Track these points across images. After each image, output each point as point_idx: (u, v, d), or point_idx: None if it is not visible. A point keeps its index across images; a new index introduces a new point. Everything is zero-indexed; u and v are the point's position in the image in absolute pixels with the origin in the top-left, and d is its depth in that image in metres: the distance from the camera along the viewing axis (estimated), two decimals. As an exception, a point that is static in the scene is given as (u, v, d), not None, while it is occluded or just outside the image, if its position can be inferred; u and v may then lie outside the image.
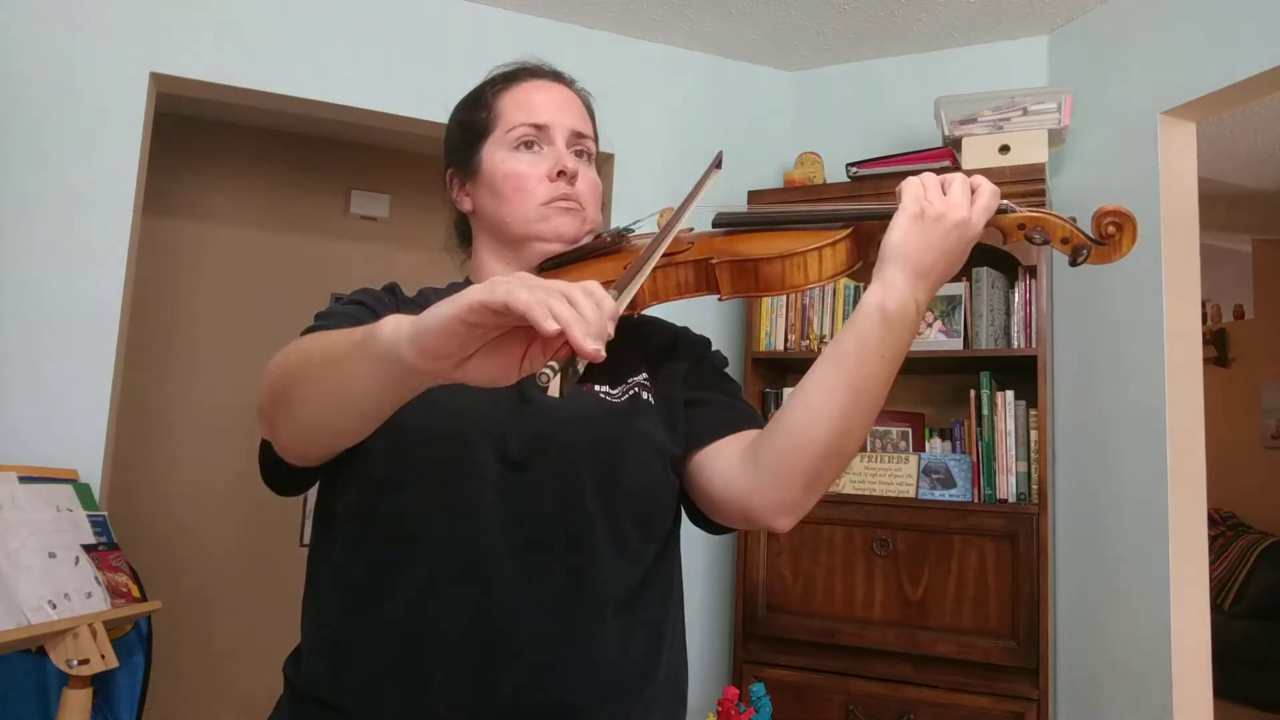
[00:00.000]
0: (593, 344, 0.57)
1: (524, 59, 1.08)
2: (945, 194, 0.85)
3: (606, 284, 0.63)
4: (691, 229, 0.97)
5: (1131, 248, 0.87)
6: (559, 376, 0.56)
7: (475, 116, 1.04)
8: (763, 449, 0.91)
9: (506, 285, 0.59)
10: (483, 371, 0.64)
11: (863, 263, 0.93)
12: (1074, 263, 0.87)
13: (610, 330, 0.59)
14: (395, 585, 0.88)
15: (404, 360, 0.64)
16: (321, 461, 0.86)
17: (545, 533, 0.89)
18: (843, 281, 2.62)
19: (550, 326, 0.57)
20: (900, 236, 0.85)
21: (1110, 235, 0.86)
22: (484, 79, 1.07)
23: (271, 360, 0.81)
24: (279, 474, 0.89)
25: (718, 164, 0.95)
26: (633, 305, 0.91)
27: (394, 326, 0.66)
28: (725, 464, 0.94)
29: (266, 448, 0.87)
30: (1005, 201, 0.88)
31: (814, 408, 0.86)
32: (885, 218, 0.87)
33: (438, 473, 0.88)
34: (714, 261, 0.89)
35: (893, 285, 0.84)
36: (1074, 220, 0.88)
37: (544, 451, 0.90)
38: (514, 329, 0.61)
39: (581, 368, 0.58)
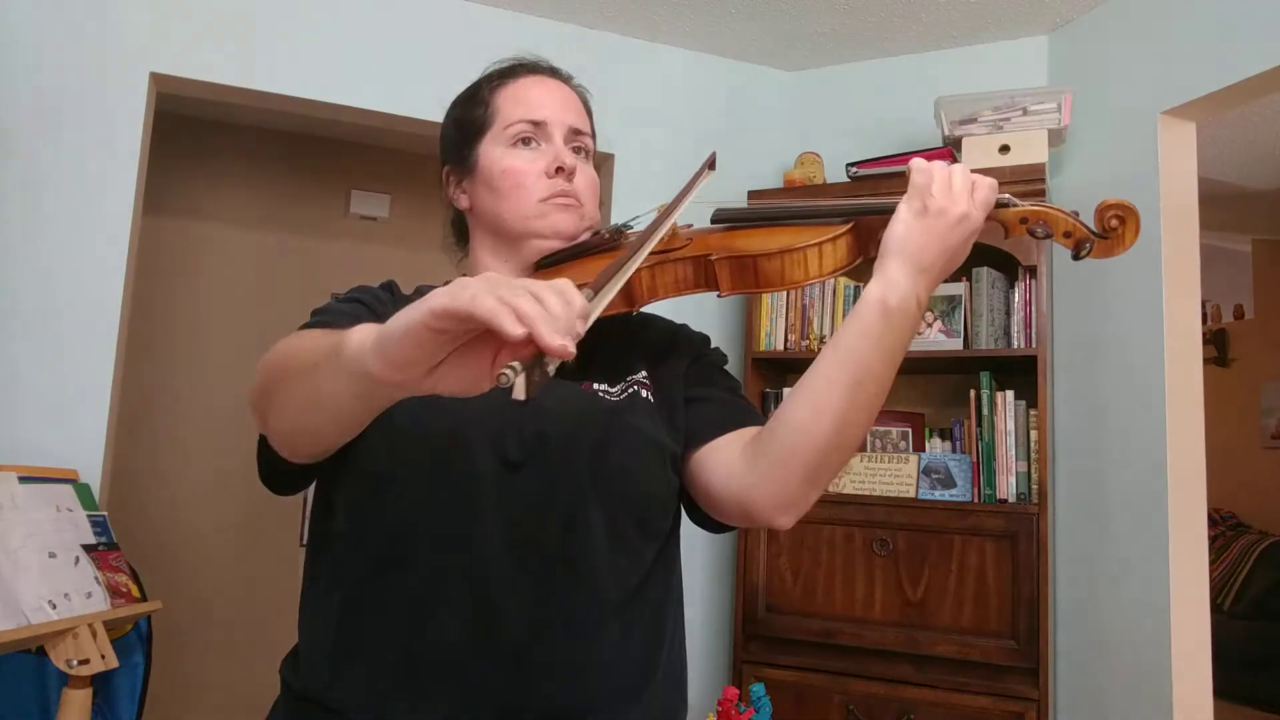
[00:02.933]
0: (559, 339, 0.54)
1: (521, 55, 1.07)
2: (949, 188, 0.85)
3: (581, 285, 0.62)
4: (690, 225, 0.96)
5: (1134, 241, 0.86)
6: (522, 376, 0.54)
7: (472, 113, 1.03)
8: (763, 445, 0.90)
9: (472, 290, 0.56)
10: (453, 380, 0.61)
11: (863, 258, 0.92)
12: (1076, 256, 0.87)
13: (580, 329, 0.57)
14: (392, 586, 0.87)
15: (370, 373, 0.62)
16: (313, 459, 0.85)
17: (543, 532, 0.88)
18: (842, 281, 2.61)
19: (516, 331, 0.54)
20: (902, 231, 0.84)
21: (1113, 229, 0.86)
22: (480, 75, 1.06)
23: (264, 355, 0.81)
24: (276, 471, 0.89)
25: (710, 165, 0.94)
26: (631, 302, 0.90)
27: (360, 337, 0.64)
28: (725, 461, 0.94)
29: (264, 444, 0.86)
30: (1007, 196, 0.88)
31: (815, 403, 0.86)
32: (886, 213, 0.86)
33: (435, 472, 0.88)
34: (713, 258, 0.88)
35: (894, 280, 0.84)
36: (1076, 214, 0.87)
37: (542, 450, 0.90)
38: (484, 333, 0.58)
39: (552, 368, 0.56)
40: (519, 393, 0.54)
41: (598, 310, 0.63)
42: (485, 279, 0.58)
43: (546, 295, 0.56)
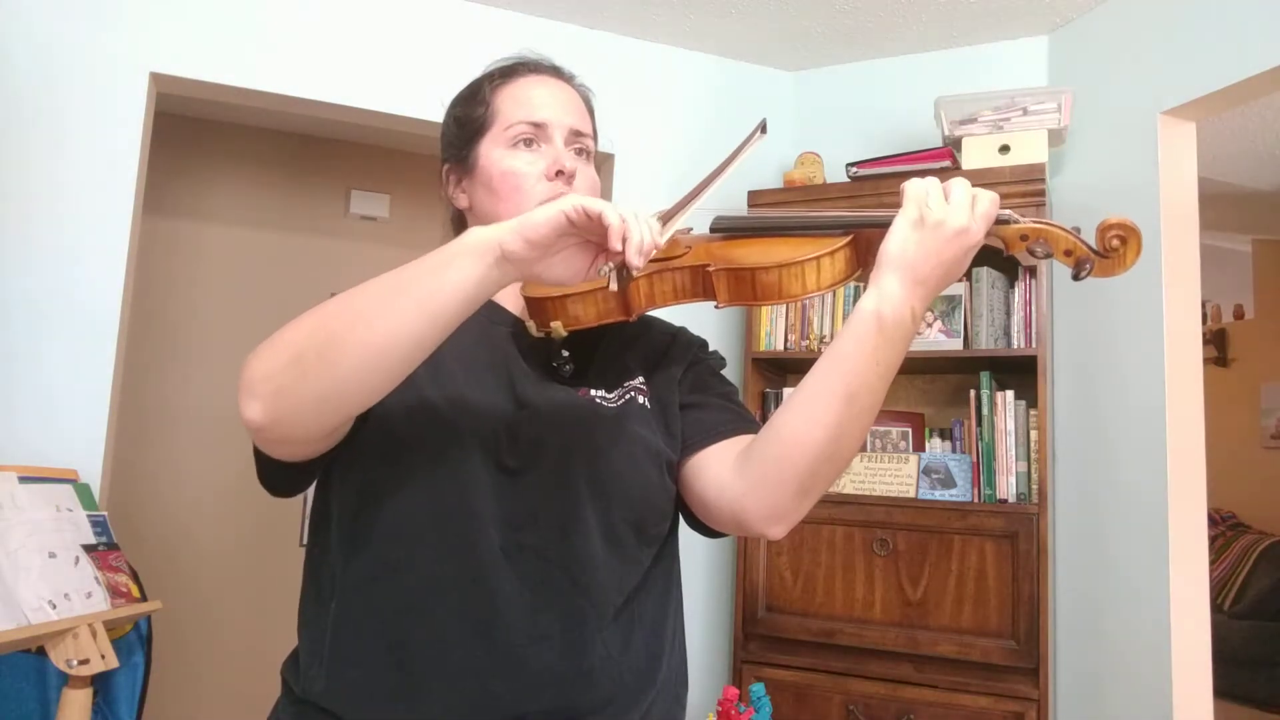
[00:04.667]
0: (638, 259, 0.73)
1: (522, 54, 1.06)
2: (947, 201, 0.83)
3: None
4: (690, 229, 0.96)
5: (1136, 261, 0.84)
6: (614, 274, 0.77)
7: (472, 112, 1.01)
8: (756, 455, 0.90)
9: (604, 203, 0.74)
10: (559, 269, 0.77)
11: (862, 270, 0.92)
12: (1077, 276, 0.85)
13: (652, 251, 0.75)
14: (391, 590, 0.87)
15: (506, 250, 0.75)
16: (323, 440, 0.84)
17: (541, 538, 0.88)
18: (844, 285, 2.61)
19: (617, 245, 0.73)
20: (899, 243, 0.83)
21: (1114, 249, 0.84)
22: (481, 73, 1.05)
23: (272, 336, 0.78)
24: (275, 472, 0.88)
25: (763, 129, 0.93)
26: (628, 310, 0.90)
27: (485, 229, 0.77)
28: (719, 469, 0.94)
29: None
30: (1008, 212, 0.86)
31: (808, 414, 0.85)
32: (886, 225, 0.85)
33: (433, 477, 0.88)
34: (711, 269, 0.88)
35: (889, 292, 0.82)
36: (1078, 231, 0.85)
37: (539, 456, 0.90)
38: (587, 243, 0.77)
39: (627, 272, 0.75)
40: (613, 286, 0.77)
41: (662, 243, 0.79)
42: (601, 200, 0.75)
43: (644, 222, 0.75)
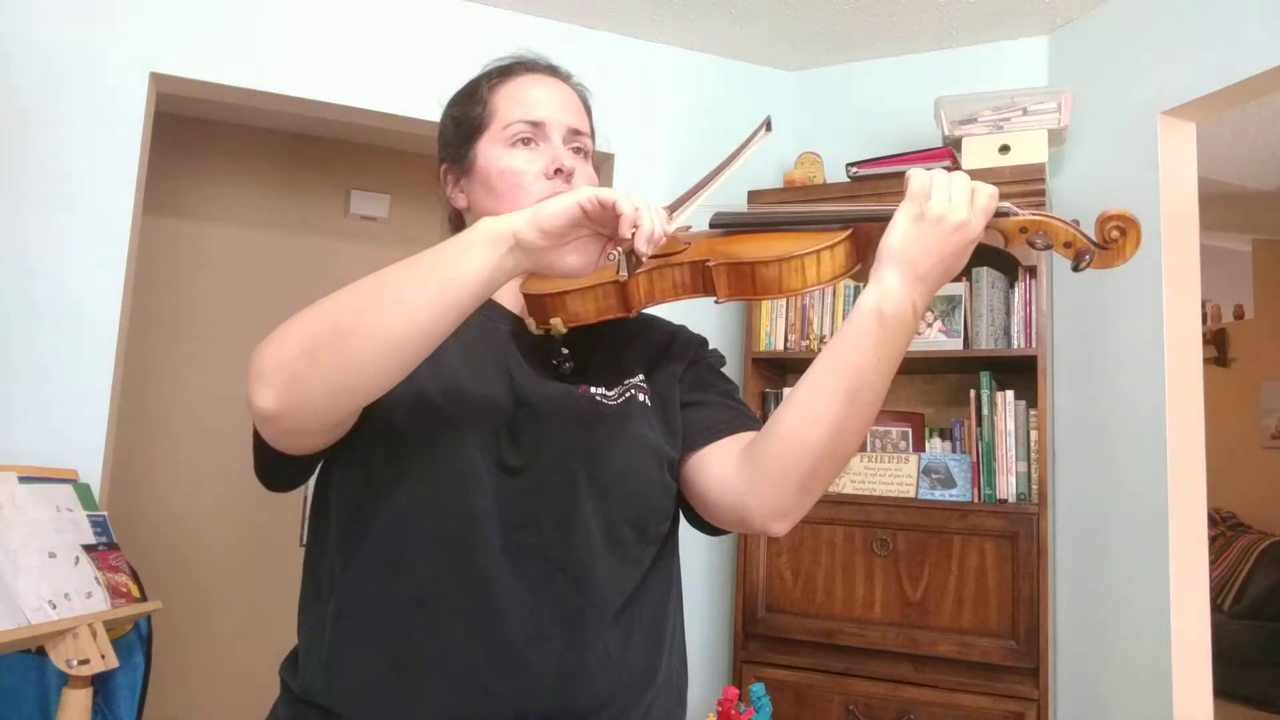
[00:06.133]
0: (646, 248, 0.75)
1: (520, 53, 1.06)
2: (948, 195, 0.83)
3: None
4: (689, 227, 0.96)
5: (1135, 252, 0.85)
6: (623, 259, 0.77)
7: (470, 112, 1.01)
8: (758, 452, 0.90)
9: (618, 192, 0.76)
10: (570, 259, 0.78)
11: (862, 265, 0.92)
12: (1076, 268, 0.85)
13: (660, 239, 0.77)
14: (390, 590, 0.87)
15: (520, 238, 0.76)
16: (331, 431, 0.84)
17: (541, 537, 0.88)
18: (843, 281, 2.61)
19: (628, 233, 0.75)
20: (899, 237, 0.83)
21: (1114, 240, 0.85)
22: (479, 72, 1.05)
23: (284, 325, 0.78)
24: (273, 466, 0.88)
25: (767, 126, 0.94)
26: (628, 307, 0.90)
27: (498, 218, 0.78)
28: (720, 467, 0.94)
29: (261, 438, 0.85)
30: (1007, 204, 0.86)
31: (809, 411, 0.85)
32: (885, 219, 0.85)
33: (433, 476, 0.88)
34: (710, 264, 0.88)
35: (890, 287, 0.83)
36: (1077, 223, 0.86)
37: (540, 455, 0.90)
38: (598, 234, 0.78)
39: (641, 257, 0.77)
40: (622, 272, 0.77)
41: (671, 230, 0.81)
42: (613, 190, 0.76)
43: (654, 214, 0.76)
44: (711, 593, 2.82)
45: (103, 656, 1.70)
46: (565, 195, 0.76)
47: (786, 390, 2.70)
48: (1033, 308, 2.37)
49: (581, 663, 0.87)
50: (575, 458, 0.90)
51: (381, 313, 0.76)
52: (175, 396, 3.47)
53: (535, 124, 0.98)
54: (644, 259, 0.76)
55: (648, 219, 0.75)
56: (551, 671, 0.86)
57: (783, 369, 2.79)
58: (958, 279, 2.48)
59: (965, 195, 0.83)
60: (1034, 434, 2.31)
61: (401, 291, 0.77)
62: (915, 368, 2.63)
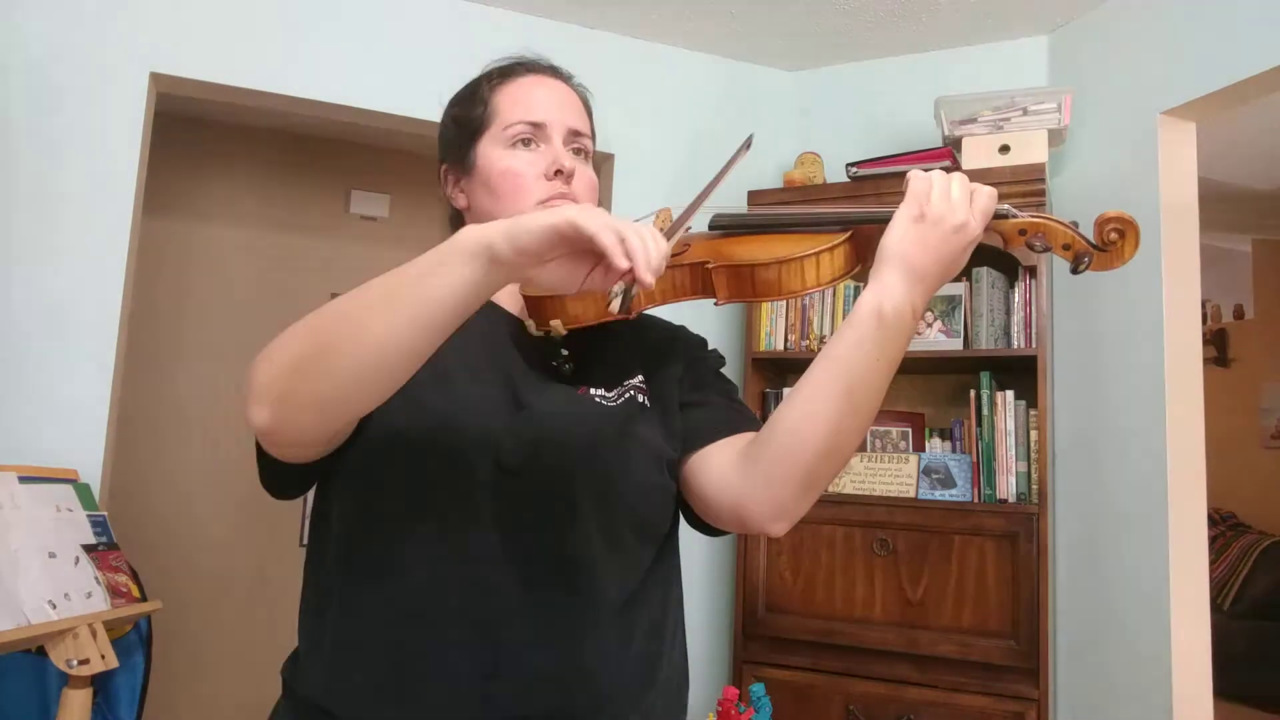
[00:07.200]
0: (649, 276, 0.70)
1: (520, 53, 1.06)
2: (948, 195, 0.83)
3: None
4: (689, 228, 0.96)
5: (1134, 254, 0.85)
6: (621, 296, 0.73)
7: (471, 112, 1.01)
8: (757, 452, 0.90)
9: (601, 220, 0.70)
10: (554, 276, 0.75)
11: (861, 266, 0.92)
12: (1075, 270, 0.85)
13: (662, 267, 0.71)
14: (390, 591, 0.87)
15: (496, 255, 0.72)
16: (329, 442, 0.84)
17: (540, 538, 0.88)
18: (844, 282, 2.61)
19: (623, 264, 0.70)
20: (898, 238, 0.83)
21: (1112, 242, 0.85)
22: (480, 73, 1.05)
23: (275, 341, 0.78)
24: (277, 475, 0.88)
25: (747, 145, 0.94)
26: (628, 307, 0.91)
27: (477, 230, 0.74)
28: (720, 468, 0.94)
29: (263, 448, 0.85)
30: (1006, 206, 0.86)
31: (809, 411, 0.85)
32: (885, 221, 0.85)
33: (432, 478, 0.88)
34: (710, 266, 0.88)
35: (889, 288, 0.83)
36: (1076, 225, 0.86)
37: (539, 456, 0.89)
38: (588, 251, 0.72)
39: (635, 290, 0.72)
40: (615, 308, 0.73)
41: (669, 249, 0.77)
42: (602, 213, 0.72)
43: (646, 238, 0.71)
44: (711, 593, 2.82)
45: (103, 656, 1.70)
46: (545, 214, 0.72)
47: (786, 390, 2.70)
48: (1033, 308, 2.37)
49: (581, 663, 0.87)
50: (575, 459, 0.90)
51: (361, 332, 0.75)
52: (175, 396, 3.47)
53: (536, 125, 0.98)
54: (649, 288, 0.71)
55: (642, 247, 0.70)
56: (551, 672, 0.86)
57: (783, 369, 2.79)
58: (958, 279, 2.48)
59: (965, 197, 0.84)
60: (1034, 434, 2.31)
61: (379, 311, 0.75)
62: (915, 368, 2.63)
